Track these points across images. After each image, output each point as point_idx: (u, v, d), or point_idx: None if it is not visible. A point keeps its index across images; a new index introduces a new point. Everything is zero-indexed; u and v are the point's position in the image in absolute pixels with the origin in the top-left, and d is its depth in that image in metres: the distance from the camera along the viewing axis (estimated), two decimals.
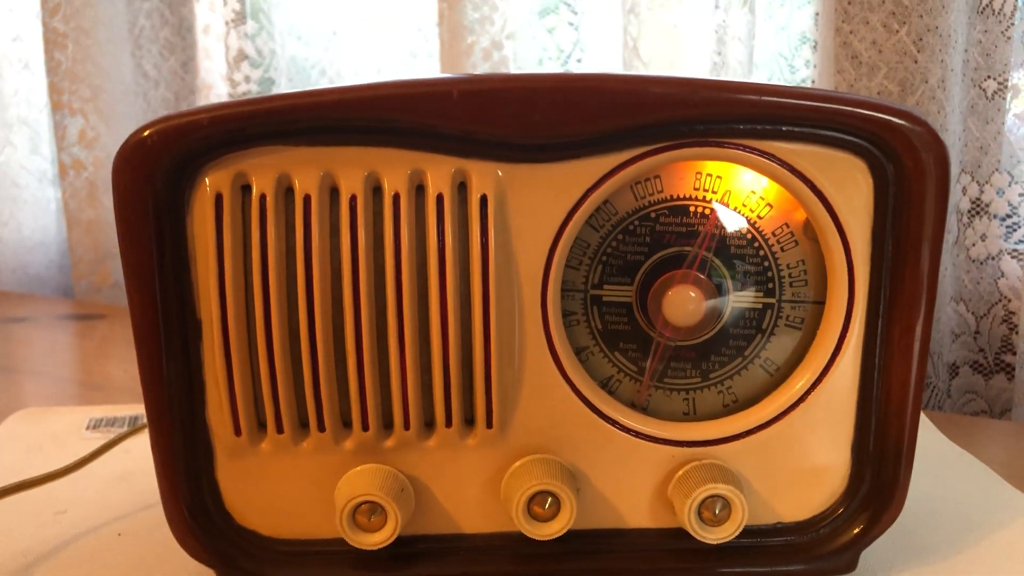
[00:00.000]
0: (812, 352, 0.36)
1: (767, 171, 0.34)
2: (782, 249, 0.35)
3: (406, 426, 0.35)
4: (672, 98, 0.32)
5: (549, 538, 0.34)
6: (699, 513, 0.34)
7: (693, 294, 0.35)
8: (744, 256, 0.35)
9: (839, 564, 0.36)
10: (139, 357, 0.34)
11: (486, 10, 0.80)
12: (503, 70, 0.81)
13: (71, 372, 0.74)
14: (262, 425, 0.35)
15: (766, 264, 0.35)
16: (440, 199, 0.33)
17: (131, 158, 0.32)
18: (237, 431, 0.34)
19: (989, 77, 0.68)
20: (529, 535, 0.34)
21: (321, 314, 0.33)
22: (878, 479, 0.36)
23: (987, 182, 0.70)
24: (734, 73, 0.72)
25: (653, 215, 0.35)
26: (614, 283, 0.36)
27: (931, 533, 0.41)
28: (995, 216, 0.70)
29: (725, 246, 0.35)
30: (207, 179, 0.33)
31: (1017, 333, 0.67)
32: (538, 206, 0.34)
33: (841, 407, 0.36)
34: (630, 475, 0.36)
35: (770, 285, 0.36)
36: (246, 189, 0.33)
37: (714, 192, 0.35)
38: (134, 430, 0.49)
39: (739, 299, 0.36)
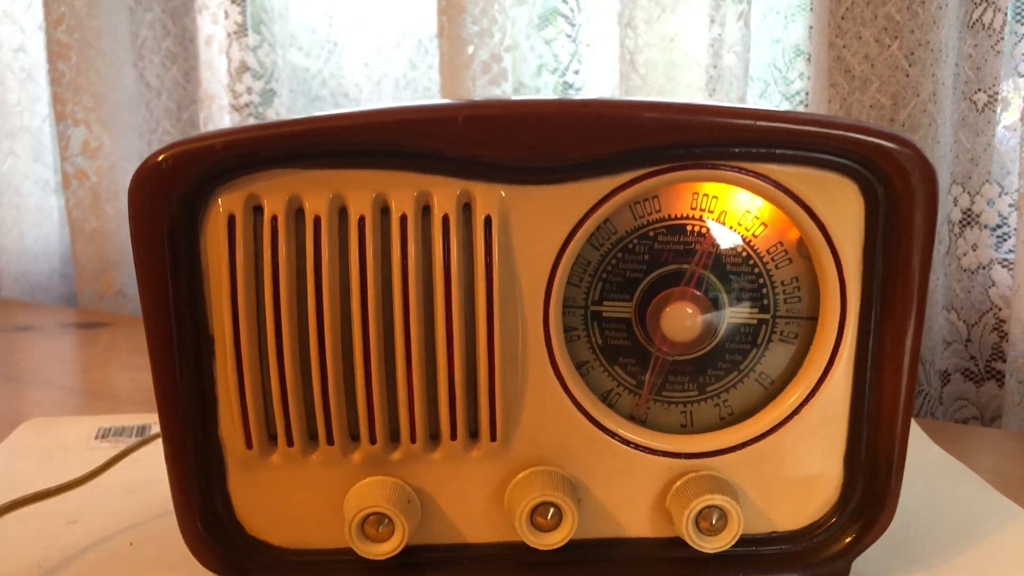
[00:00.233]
0: (805, 366, 0.37)
1: (761, 192, 0.35)
2: (776, 266, 0.36)
3: (412, 439, 0.36)
4: (670, 123, 0.33)
5: (551, 548, 0.35)
6: (696, 523, 0.35)
7: (690, 310, 0.36)
8: (739, 273, 0.36)
9: (832, 572, 0.38)
10: (153, 372, 0.35)
11: (485, 23, 0.81)
12: (502, 81, 0.82)
13: (77, 381, 0.75)
14: (273, 438, 0.36)
15: (761, 281, 0.37)
16: (446, 220, 0.34)
17: (146, 182, 0.33)
18: (249, 444, 0.35)
19: (979, 90, 0.69)
20: (532, 545, 0.35)
21: (330, 331, 0.34)
22: (870, 489, 0.37)
23: (978, 193, 0.71)
24: (729, 85, 0.73)
25: (651, 234, 0.36)
26: (614, 299, 0.37)
27: (921, 541, 0.42)
28: (986, 226, 0.71)
29: (721, 263, 0.36)
30: (220, 201, 0.34)
31: (1007, 341, 0.68)
32: (540, 226, 0.35)
33: (834, 419, 0.37)
34: (629, 486, 0.37)
35: (765, 301, 0.37)
36: (258, 210, 0.34)
37: (710, 212, 0.36)
38: (145, 440, 0.50)
39: (735, 315, 0.37)
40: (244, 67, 0.92)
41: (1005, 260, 0.72)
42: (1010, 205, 0.71)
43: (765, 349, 0.37)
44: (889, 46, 0.65)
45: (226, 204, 0.34)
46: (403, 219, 0.34)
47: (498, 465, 0.36)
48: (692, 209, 0.36)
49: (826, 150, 0.34)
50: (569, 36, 0.85)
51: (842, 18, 0.66)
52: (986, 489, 0.48)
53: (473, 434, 0.36)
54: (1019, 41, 0.69)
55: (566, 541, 0.35)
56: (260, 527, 0.37)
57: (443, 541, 0.37)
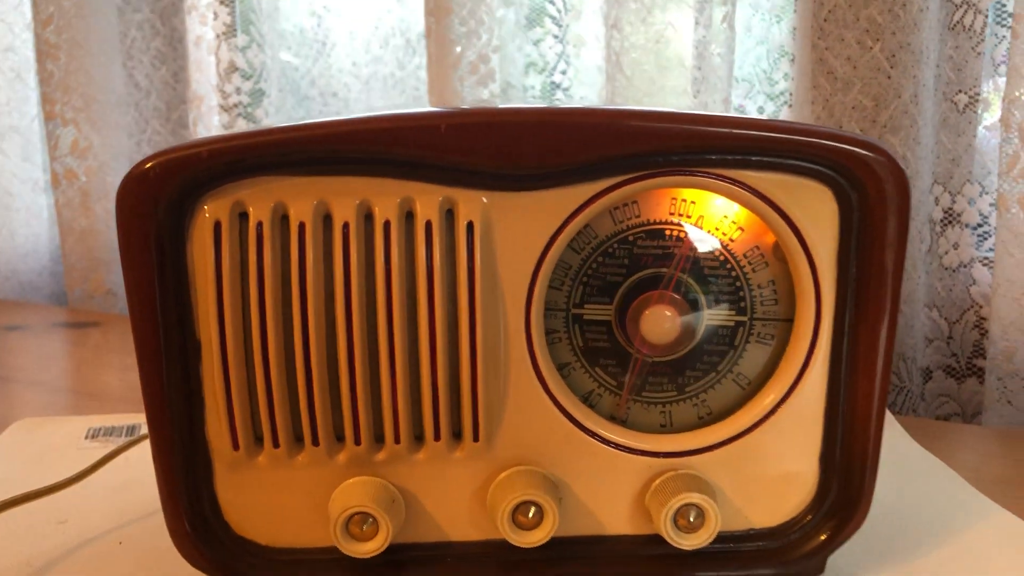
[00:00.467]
0: (782, 367, 0.38)
1: (738, 198, 0.36)
2: (753, 270, 0.37)
3: (397, 440, 0.36)
4: (648, 131, 0.34)
5: (533, 546, 0.36)
6: (675, 521, 0.36)
7: (669, 313, 0.37)
8: (717, 277, 0.37)
9: (808, 568, 0.38)
10: (141, 375, 0.35)
11: (473, 24, 0.81)
12: (490, 82, 0.82)
13: (67, 381, 0.76)
14: (259, 440, 0.36)
15: (738, 284, 0.37)
16: (428, 226, 0.35)
17: (134, 189, 0.33)
18: (235, 445, 0.36)
19: (960, 91, 0.70)
20: (514, 543, 0.36)
21: (315, 335, 0.35)
22: (845, 488, 0.38)
23: (959, 192, 0.72)
24: (714, 87, 0.74)
25: (631, 238, 0.37)
26: (594, 303, 0.37)
27: (897, 537, 0.43)
28: (967, 225, 0.72)
29: (699, 267, 0.37)
30: (206, 208, 0.34)
31: (988, 338, 0.69)
32: (522, 231, 0.35)
33: (809, 419, 0.38)
34: (610, 485, 0.38)
35: (742, 304, 0.37)
36: (244, 217, 0.35)
37: (689, 216, 0.37)
38: (134, 441, 0.51)
39: (712, 317, 0.38)
40: (233, 67, 0.92)
41: (986, 258, 0.73)
42: (991, 204, 0.72)
43: (742, 350, 0.38)
44: (871, 48, 0.66)
45: (212, 211, 0.34)
46: (387, 225, 0.35)
47: (481, 465, 0.37)
48: (671, 214, 0.37)
49: (801, 157, 0.35)
50: (556, 37, 0.86)
51: (825, 20, 0.67)
52: (962, 485, 0.49)
53: (456, 435, 0.37)
54: (999, 43, 0.70)
55: (547, 539, 0.36)
56: (247, 527, 0.37)
57: (427, 540, 0.38)
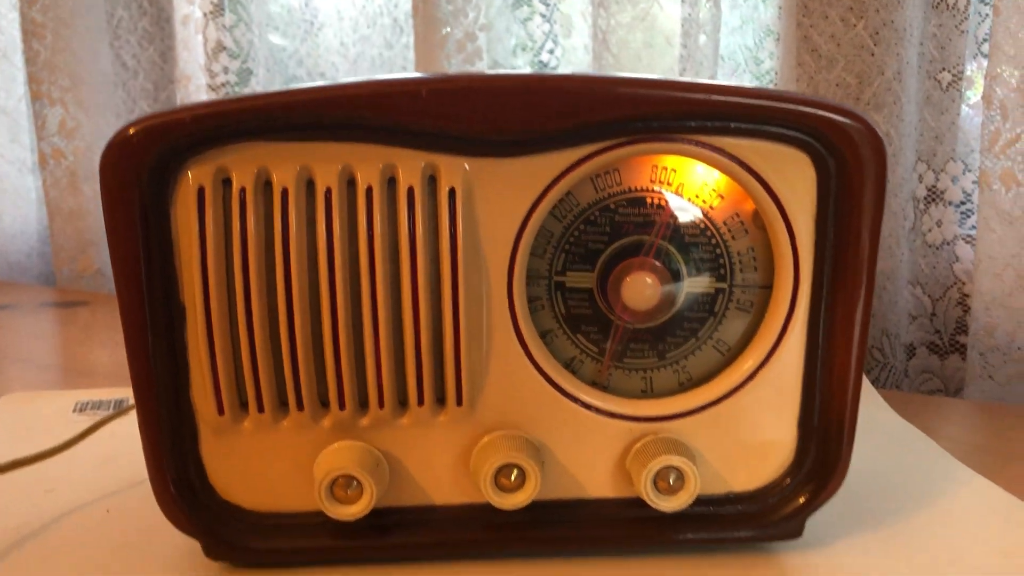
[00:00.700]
0: (760, 333, 0.38)
1: (718, 164, 0.36)
2: (733, 237, 0.38)
3: (381, 405, 0.37)
4: (628, 97, 0.34)
5: (515, 508, 0.37)
6: (655, 483, 0.37)
7: (650, 280, 0.37)
8: (697, 244, 0.38)
9: (786, 531, 0.39)
10: (126, 340, 0.35)
11: (460, 2, 0.81)
12: (477, 61, 0.82)
13: (55, 358, 0.76)
14: (244, 404, 0.37)
15: (718, 251, 0.38)
16: (411, 192, 0.35)
17: (117, 155, 0.33)
18: (220, 410, 0.36)
19: (944, 69, 0.71)
20: (497, 505, 0.37)
21: (299, 300, 0.35)
22: (822, 452, 0.38)
23: (942, 170, 0.72)
24: (700, 65, 0.74)
25: (612, 206, 0.37)
26: (576, 270, 0.38)
27: (875, 503, 0.44)
28: (950, 203, 0.73)
29: (680, 235, 0.38)
30: (190, 174, 0.34)
31: (970, 314, 0.70)
32: (504, 198, 0.36)
33: (787, 385, 0.38)
34: (591, 449, 0.38)
35: (722, 271, 0.38)
36: (227, 183, 0.35)
37: (669, 184, 0.37)
38: (121, 411, 0.51)
39: (693, 284, 0.38)
40: (220, 47, 0.92)
41: (969, 236, 0.73)
42: (973, 182, 0.72)
43: (722, 317, 0.38)
44: (855, 26, 0.66)
45: (196, 176, 0.34)
46: (369, 191, 0.35)
47: (464, 429, 0.37)
48: (651, 182, 0.37)
49: (779, 123, 0.35)
50: (543, 16, 0.86)
51: None
52: (942, 455, 0.50)
53: (440, 400, 0.37)
54: (983, 21, 0.71)
55: (529, 501, 0.36)
56: (232, 491, 0.38)
57: (411, 503, 0.38)
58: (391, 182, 0.35)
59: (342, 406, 0.37)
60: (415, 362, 0.36)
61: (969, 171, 0.72)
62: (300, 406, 0.37)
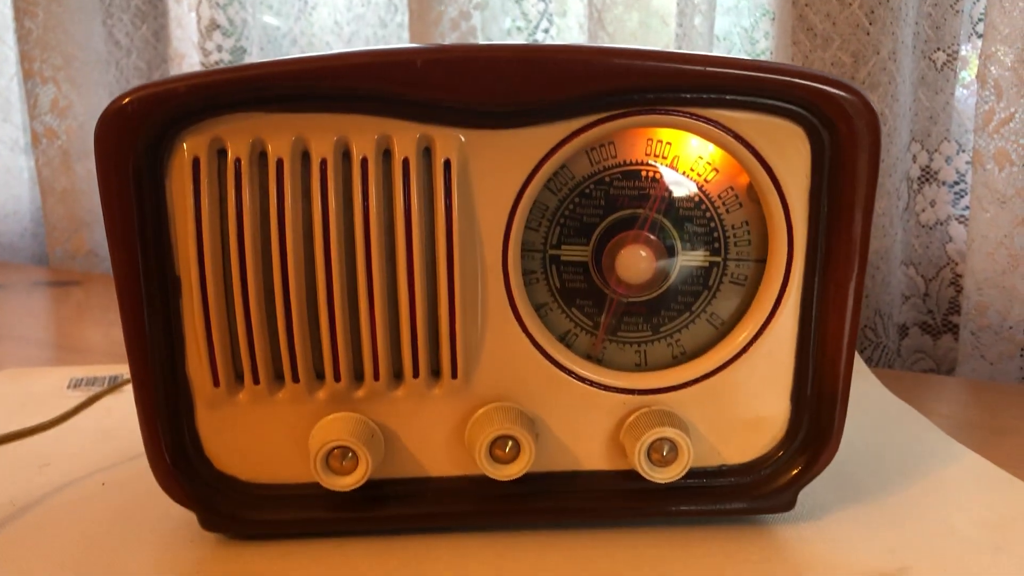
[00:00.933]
0: (754, 307, 0.38)
1: (713, 137, 0.36)
2: (727, 211, 0.38)
3: (376, 377, 0.37)
4: (624, 68, 0.34)
5: (510, 479, 0.37)
6: (648, 455, 0.37)
7: (644, 253, 0.38)
8: (692, 218, 0.38)
9: (779, 503, 0.39)
10: (121, 312, 0.35)
11: None
12: (471, 40, 0.82)
13: (49, 336, 0.76)
14: (239, 377, 0.37)
15: (712, 225, 0.38)
16: (406, 163, 0.35)
17: (112, 125, 0.33)
18: (216, 382, 0.36)
19: (939, 49, 0.71)
20: (491, 476, 0.37)
21: (294, 272, 0.35)
22: (815, 424, 0.39)
23: (936, 150, 0.73)
24: (695, 45, 0.74)
25: (607, 179, 0.37)
26: (571, 243, 0.38)
27: (867, 476, 0.44)
28: (944, 183, 0.73)
29: (674, 208, 0.38)
30: (185, 144, 0.34)
31: (963, 294, 0.70)
32: (499, 170, 0.36)
33: (781, 358, 0.38)
34: (585, 421, 0.38)
35: (716, 245, 0.38)
36: (222, 153, 0.35)
37: (664, 158, 0.37)
38: (115, 386, 0.51)
39: (687, 258, 0.38)
40: (214, 25, 0.92)
41: (962, 216, 0.74)
42: (967, 162, 0.73)
43: (716, 291, 0.38)
44: (850, 4, 0.66)
45: (191, 147, 0.34)
46: (364, 162, 0.35)
47: (459, 402, 0.38)
48: (647, 155, 0.37)
49: (774, 96, 0.35)
50: None
51: None
52: (933, 430, 0.50)
53: (435, 372, 0.37)
54: (978, 1, 0.71)
55: (524, 472, 0.37)
56: (228, 463, 0.38)
57: (406, 475, 0.38)
58: (386, 154, 0.35)
59: (337, 378, 0.37)
60: (410, 334, 0.36)
61: (963, 151, 0.73)
62: (295, 378, 0.37)
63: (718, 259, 0.38)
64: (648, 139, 0.37)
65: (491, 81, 0.34)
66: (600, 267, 0.38)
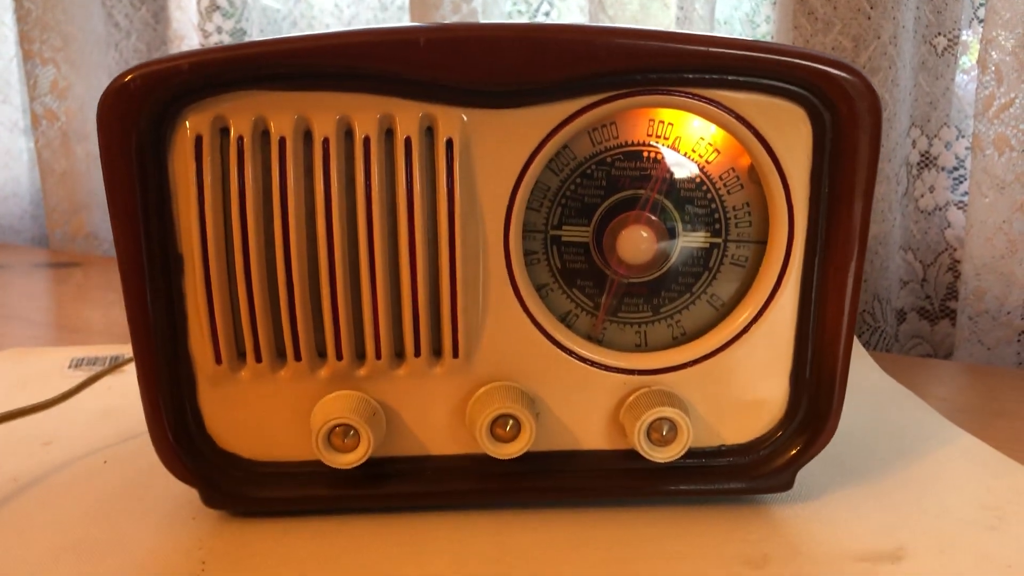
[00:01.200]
0: (754, 288, 0.38)
1: (714, 118, 0.36)
2: (728, 192, 0.38)
3: (378, 356, 0.37)
4: (626, 48, 0.34)
5: (510, 458, 0.37)
6: (648, 434, 0.37)
7: (645, 234, 0.38)
8: (693, 199, 0.38)
9: (777, 483, 0.40)
10: (124, 290, 0.36)
11: None
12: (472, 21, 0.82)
13: (49, 316, 0.76)
14: (242, 355, 0.37)
15: (713, 206, 0.38)
16: (408, 142, 0.35)
17: (114, 102, 0.33)
18: (218, 360, 0.37)
19: (940, 34, 0.71)
20: (492, 455, 0.37)
21: (297, 250, 0.35)
22: (813, 405, 0.39)
23: (936, 136, 0.73)
24: (696, 28, 0.74)
25: (609, 160, 0.37)
26: (572, 224, 0.38)
27: (864, 458, 0.44)
28: (943, 169, 0.73)
29: (676, 189, 0.38)
30: (187, 122, 0.34)
31: (961, 279, 0.70)
32: (501, 150, 0.36)
33: (780, 339, 0.39)
34: (586, 401, 0.38)
35: (717, 226, 0.38)
36: (224, 132, 0.35)
37: (666, 139, 0.37)
38: (116, 366, 0.51)
39: (688, 239, 0.38)
40: (214, 6, 0.91)
41: (961, 202, 0.74)
42: (967, 148, 0.73)
43: (716, 272, 0.39)
44: None
45: (193, 125, 0.34)
46: (366, 141, 0.35)
47: (460, 381, 0.38)
48: (648, 136, 0.37)
49: (776, 77, 0.35)
50: None
51: None
52: (930, 413, 0.51)
53: (436, 351, 0.38)
54: None
55: (524, 451, 0.37)
56: (230, 440, 0.38)
57: (407, 453, 0.39)
58: (389, 133, 0.35)
59: (339, 357, 0.37)
60: (412, 314, 0.37)
61: (962, 137, 0.73)
62: (298, 356, 0.37)
63: (719, 240, 0.38)
64: (650, 120, 0.37)
65: (494, 60, 0.34)
66: (601, 248, 0.38)
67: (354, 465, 0.36)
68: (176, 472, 0.38)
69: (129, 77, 0.33)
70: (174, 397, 0.37)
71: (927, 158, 0.73)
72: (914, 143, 0.73)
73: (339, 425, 0.36)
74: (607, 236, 0.38)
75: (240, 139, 0.35)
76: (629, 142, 0.37)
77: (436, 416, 0.38)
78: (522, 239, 0.38)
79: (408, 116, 0.35)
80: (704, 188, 0.38)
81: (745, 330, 0.38)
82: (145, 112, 0.34)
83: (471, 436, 0.37)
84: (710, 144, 0.37)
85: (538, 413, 0.38)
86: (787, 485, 0.40)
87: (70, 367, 0.58)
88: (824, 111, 0.36)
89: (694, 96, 0.36)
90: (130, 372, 0.55)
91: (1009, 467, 0.44)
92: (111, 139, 0.34)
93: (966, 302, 0.69)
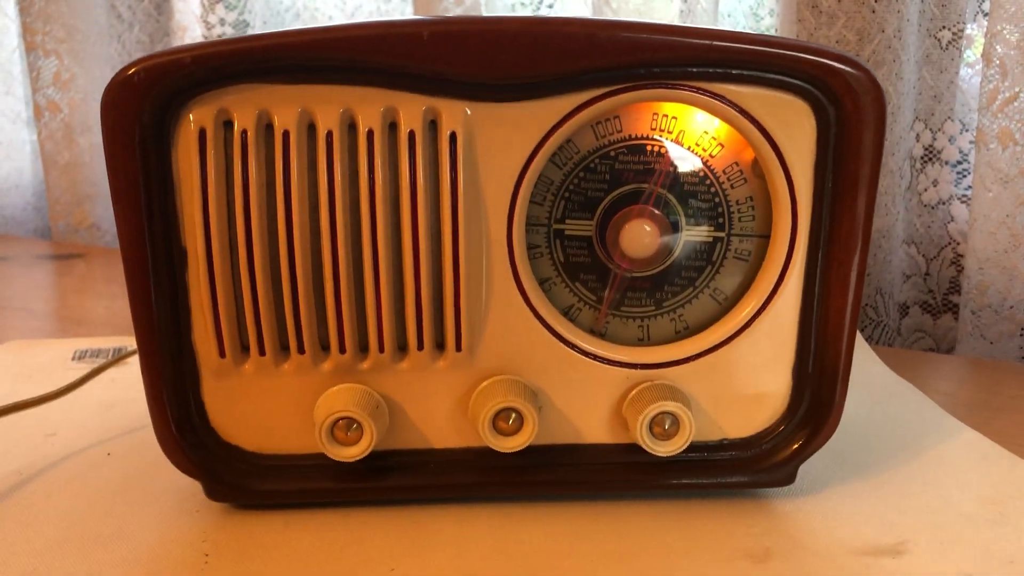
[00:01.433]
0: (757, 282, 0.38)
1: (718, 112, 0.36)
2: (732, 186, 0.38)
3: (381, 349, 0.37)
4: (630, 42, 0.34)
5: (513, 451, 0.37)
6: (650, 428, 0.37)
7: (648, 228, 0.38)
8: (696, 193, 0.38)
9: (779, 477, 0.40)
10: (128, 283, 0.36)
11: None
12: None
13: (53, 308, 0.76)
14: (245, 348, 0.37)
15: (717, 200, 0.38)
16: (412, 136, 0.35)
17: (118, 95, 0.33)
18: (222, 353, 0.37)
19: (944, 27, 0.70)
20: (495, 448, 0.37)
21: (300, 243, 0.35)
22: (816, 399, 0.39)
23: (940, 130, 0.73)
24: (699, 22, 0.74)
25: (612, 154, 0.37)
26: (576, 218, 0.38)
27: (866, 452, 0.44)
28: (946, 163, 0.73)
29: (679, 183, 0.38)
30: (191, 115, 0.34)
31: (964, 273, 0.70)
32: (504, 144, 0.36)
33: (783, 333, 0.39)
34: (588, 395, 0.39)
35: (720, 220, 0.38)
36: (228, 125, 0.35)
37: (669, 132, 0.37)
38: (119, 358, 0.51)
39: (691, 233, 0.38)
40: None
41: (964, 196, 0.74)
42: (970, 142, 0.73)
43: (719, 266, 0.39)
44: None
45: (197, 118, 0.34)
46: (370, 135, 0.35)
47: (463, 374, 0.38)
48: (652, 130, 0.37)
49: (780, 71, 0.35)
50: None
51: None
52: (932, 407, 0.51)
53: (439, 345, 0.38)
54: None
55: (527, 444, 0.37)
56: (233, 433, 0.38)
57: (410, 446, 0.39)
58: (392, 126, 0.35)
59: (343, 350, 0.37)
60: (415, 307, 0.37)
61: (966, 131, 0.73)
62: (301, 349, 0.37)
63: (722, 234, 0.38)
64: (654, 113, 0.37)
65: (497, 54, 0.34)
66: (604, 242, 0.38)
67: (357, 458, 0.37)
68: (180, 465, 0.38)
69: (133, 70, 0.33)
70: (178, 390, 0.37)
71: (931, 152, 0.73)
72: (918, 137, 0.73)
73: (342, 418, 0.36)
74: (610, 230, 0.38)
75: (244, 132, 0.35)
76: (633, 136, 0.37)
77: (439, 409, 0.38)
78: (525, 233, 0.38)
79: (412, 109, 0.35)
80: (708, 182, 0.38)
81: (748, 324, 0.38)
82: (148, 105, 0.34)
83: (474, 429, 0.37)
84: (714, 138, 0.37)
85: (541, 407, 0.38)
86: (789, 479, 0.40)
87: (74, 359, 0.58)
88: (828, 105, 0.36)
89: (698, 90, 0.36)
90: (134, 364, 0.55)
91: (1011, 461, 0.44)
92: (115, 133, 0.34)
93: (969, 296, 0.69)
